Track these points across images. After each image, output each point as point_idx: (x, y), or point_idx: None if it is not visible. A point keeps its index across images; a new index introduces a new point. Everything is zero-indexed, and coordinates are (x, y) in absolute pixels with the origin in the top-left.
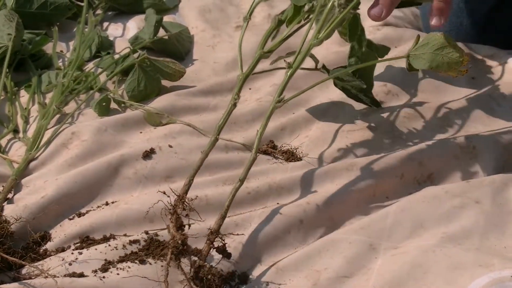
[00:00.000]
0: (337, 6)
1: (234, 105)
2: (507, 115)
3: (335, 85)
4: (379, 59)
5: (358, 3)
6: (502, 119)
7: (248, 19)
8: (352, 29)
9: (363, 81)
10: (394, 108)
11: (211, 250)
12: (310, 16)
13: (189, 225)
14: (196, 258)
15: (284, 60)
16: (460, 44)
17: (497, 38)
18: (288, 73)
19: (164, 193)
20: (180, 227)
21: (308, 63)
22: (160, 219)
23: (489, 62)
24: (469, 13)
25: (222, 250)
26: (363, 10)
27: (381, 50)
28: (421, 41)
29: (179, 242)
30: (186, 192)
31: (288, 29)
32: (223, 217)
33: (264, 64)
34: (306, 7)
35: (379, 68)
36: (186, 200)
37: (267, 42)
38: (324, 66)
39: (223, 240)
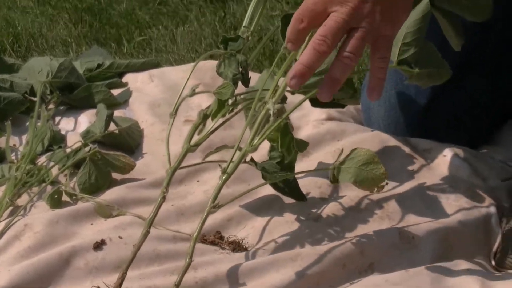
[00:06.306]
0: (272, 114)
1: (163, 198)
2: (444, 207)
3: (264, 178)
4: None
5: None
6: (440, 211)
7: (174, 115)
8: (283, 137)
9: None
10: (337, 200)
11: None
12: (235, 110)
13: None
14: None
15: (219, 165)
16: (400, 139)
17: (438, 126)
18: (223, 179)
19: (98, 287)
20: None
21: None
22: None
23: (428, 156)
24: (407, 107)
25: None
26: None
27: (301, 145)
28: (347, 155)
29: None
30: (119, 285)
31: (213, 123)
32: None
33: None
34: (230, 101)
35: None
36: None
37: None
38: (252, 159)
39: None
